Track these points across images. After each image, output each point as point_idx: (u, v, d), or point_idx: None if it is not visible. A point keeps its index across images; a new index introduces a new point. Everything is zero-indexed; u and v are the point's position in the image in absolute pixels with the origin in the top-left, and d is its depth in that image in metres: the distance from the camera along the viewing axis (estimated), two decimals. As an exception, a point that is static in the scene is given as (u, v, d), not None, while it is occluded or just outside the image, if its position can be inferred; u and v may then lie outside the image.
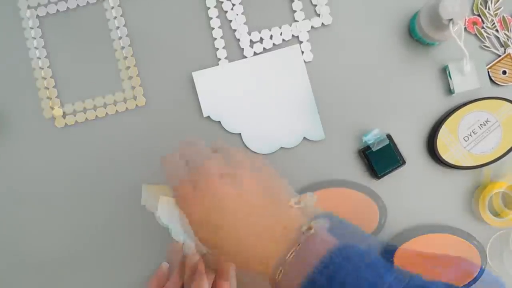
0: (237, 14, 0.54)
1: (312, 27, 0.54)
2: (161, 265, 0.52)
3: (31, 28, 0.54)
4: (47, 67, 0.54)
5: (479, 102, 0.52)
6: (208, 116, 0.53)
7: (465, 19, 0.53)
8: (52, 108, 0.54)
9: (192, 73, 0.53)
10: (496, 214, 0.52)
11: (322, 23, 0.54)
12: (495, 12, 0.53)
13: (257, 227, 0.37)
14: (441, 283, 0.34)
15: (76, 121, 0.54)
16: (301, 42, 0.54)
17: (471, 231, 0.53)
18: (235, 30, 0.54)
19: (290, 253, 0.35)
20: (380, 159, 0.52)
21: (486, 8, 0.53)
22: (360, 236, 0.36)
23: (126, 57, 0.54)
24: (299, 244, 0.35)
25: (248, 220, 0.38)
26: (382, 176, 0.52)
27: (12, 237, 0.54)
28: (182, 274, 0.51)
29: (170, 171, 0.42)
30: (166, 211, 0.52)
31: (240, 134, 0.53)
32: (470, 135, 0.52)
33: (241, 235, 0.38)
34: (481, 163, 0.52)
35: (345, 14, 0.54)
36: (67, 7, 0.55)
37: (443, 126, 0.52)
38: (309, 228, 0.36)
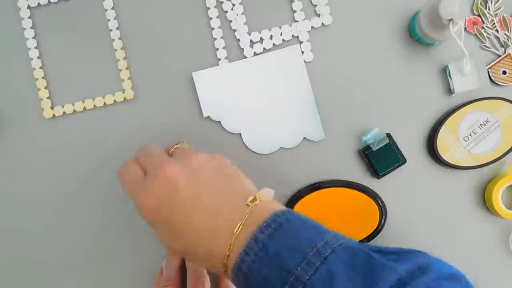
0: (237, 14, 0.54)
1: (312, 27, 0.54)
2: (162, 266, 0.52)
3: (31, 28, 0.54)
4: (41, 65, 0.54)
5: (479, 102, 0.52)
6: (208, 116, 0.54)
7: (465, 19, 0.53)
8: (52, 108, 0.54)
9: (192, 73, 0.53)
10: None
11: (322, 23, 0.54)
12: (495, 12, 0.53)
13: (210, 222, 0.37)
14: (373, 246, 0.36)
15: (76, 121, 0.54)
16: (301, 42, 0.54)
17: (471, 231, 0.53)
18: (235, 30, 0.54)
19: (237, 227, 0.36)
20: (381, 158, 0.52)
21: (486, 8, 0.53)
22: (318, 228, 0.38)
23: (126, 57, 0.54)
24: (245, 217, 0.36)
25: (199, 211, 0.37)
26: (383, 176, 0.52)
27: (13, 237, 0.54)
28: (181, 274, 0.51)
29: (124, 176, 0.42)
30: None
31: (240, 134, 0.53)
32: (470, 135, 0.52)
33: (193, 227, 0.37)
34: (481, 163, 0.52)
35: (345, 14, 0.54)
36: (67, 7, 0.55)
37: (443, 126, 0.52)
38: (254, 199, 0.37)
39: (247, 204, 0.37)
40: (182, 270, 0.51)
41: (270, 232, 0.35)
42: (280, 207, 0.38)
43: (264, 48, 0.54)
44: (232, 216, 0.37)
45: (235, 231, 0.36)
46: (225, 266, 0.36)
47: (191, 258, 0.39)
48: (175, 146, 0.44)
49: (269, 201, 0.38)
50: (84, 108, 0.54)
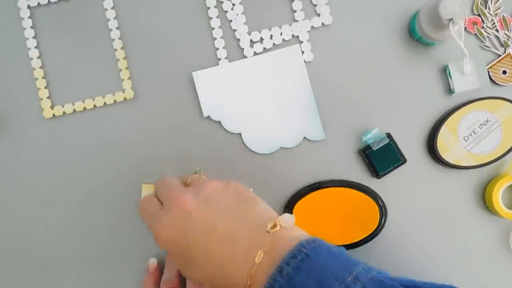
0: (237, 14, 0.54)
1: (312, 27, 0.54)
2: (150, 262, 0.52)
3: (31, 28, 0.54)
4: (41, 65, 0.54)
5: (479, 102, 0.52)
6: (208, 116, 0.54)
7: (465, 19, 0.53)
8: (52, 108, 0.54)
9: (192, 73, 0.53)
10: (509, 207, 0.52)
11: (322, 23, 0.54)
12: (495, 12, 0.53)
13: (227, 250, 0.36)
14: (407, 279, 0.34)
15: (76, 121, 0.54)
16: (301, 42, 0.54)
17: (471, 231, 0.53)
18: (235, 30, 0.54)
19: (258, 255, 0.35)
20: (381, 158, 0.52)
21: (486, 8, 0.53)
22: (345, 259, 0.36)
23: (126, 57, 0.54)
24: (266, 244, 0.35)
25: (215, 239, 0.37)
26: (383, 175, 0.52)
27: (12, 237, 0.54)
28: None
29: (142, 210, 0.42)
30: None
31: (240, 134, 0.53)
32: (470, 135, 0.52)
33: (211, 256, 0.37)
34: (481, 163, 0.52)
35: (345, 14, 0.54)
36: (67, 7, 0.55)
37: (443, 126, 0.52)
38: (274, 226, 0.36)
39: (267, 231, 0.36)
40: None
41: (297, 264, 0.33)
42: (303, 233, 0.37)
43: (264, 48, 0.54)
44: (252, 243, 0.36)
45: (256, 259, 0.35)
46: None
47: (212, 287, 0.38)
48: (193, 176, 0.43)
49: (290, 227, 0.37)
50: (84, 108, 0.54)
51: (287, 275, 0.33)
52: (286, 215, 0.37)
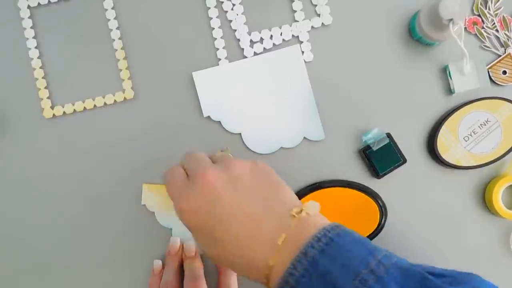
0: (237, 14, 0.54)
1: (312, 27, 0.54)
2: (154, 264, 0.52)
3: (31, 28, 0.54)
4: (41, 65, 0.54)
5: (479, 102, 0.52)
6: (208, 116, 0.54)
7: (465, 19, 0.53)
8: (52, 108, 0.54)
9: (192, 73, 0.53)
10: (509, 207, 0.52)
11: (322, 23, 0.54)
12: (495, 12, 0.53)
13: (251, 230, 0.36)
14: (426, 265, 0.34)
15: (76, 121, 0.54)
16: (301, 42, 0.54)
17: (471, 231, 0.53)
18: (235, 30, 0.54)
19: (282, 238, 0.35)
20: (381, 158, 0.52)
21: (486, 8, 0.53)
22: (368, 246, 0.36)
23: (126, 57, 0.54)
24: (290, 227, 0.35)
25: (240, 218, 0.37)
26: (383, 175, 0.52)
27: (12, 237, 0.54)
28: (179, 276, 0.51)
29: (169, 179, 0.42)
30: (151, 199, 0.53)
31: (240, 134, 0.53)
32: (470, 135, 0.52)
33: (233, 235, 0.37)
34: (481, 163, 0.52)
35: (345, 14, 0.54)
36: (67, 7, 0.55)
37: (443, 126, 0.52)
38: (300, 211, 0.36)
39: (293, 215, 0.36)
40: (180, 273, 0.51)
41: (321, 247, 0.33)
42: (326, 220, 0.37)
43: (264, 48, 0.54)
44: (276, 226, 0.36)
45: (278, 242, 0.35)
46: (267, 278, 0.35)
47: (231, 266, 0.38)
48: (220, 153, 0.43)
49: (315, 214, 0.37)
50: (84, 108, 0.54)
51: (311, 258, 0.33)
52: (312, 202, 0.37)
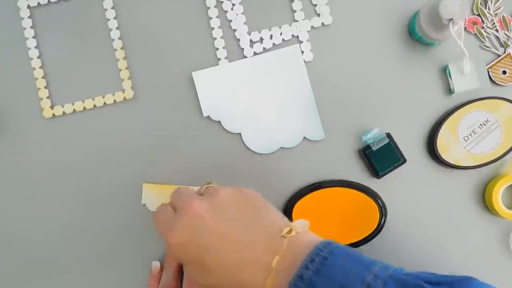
0: (237, 14, 0.54)
1: (312, 27, 0.54)
2: (152, 265, 0.52)
3: (31, 28, 0.54)
4: (41, 65, 0.54)
5: (479, 102, 0.52)
6: (208, 116, 0.53)
7: (465, 19, 0.53)
8: (52, 108, 0.54)
9: (192, 73, 0.53)
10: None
11: (322, 23, 0.54)
12: (495, 12, 0.53)
13: (241, 254, 0.37)
14: (425, 273, 0.34)
15: (75, 121, 0.54)
16: (301, 42, 0.54)
17: (471, 231, 0.53)
18: (235, 30, 0.54)
19: (275, 259, 0.35)
20: (381, 158, 0.52)
21: (486, 8, 0.53)
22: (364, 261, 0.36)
23: (126, 57, 0.54)
24: (283, 250, 0.35)
25: (229, 245, 0.37)
26: (383, 175, 0.52)
27: (12, 237, 0.54)
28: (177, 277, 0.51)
29: (156, 217, 0.42)
30: (152, 199, 0.53)
31: (240, 134, 0.53)
32: (470, 135, 0.52)
33: (224, 262, 0.37)
34: (481, 163, 0.52)
35: (345, 14, 0.54)
36: (67, 7, 0.55)
37: (443, 126, 0.52)
38: (290, 231, 0.36)
39: (283, 236, 0.36)
40: (180, 273, 0.51)
41: (316, 267, 0.34)
42: (317, 237, 0.37)
43: (264, 48, 0.54)
44: (267, 249, 0.36)
45: (273, 264, 0.35)
46: None
47: None
48: (205, 186, 0.43)
49: (304, 232, 0.38)
50: (84, 108, 0.54)
51: (308, 280, 0.33)
52: (301, 220, 0.38)
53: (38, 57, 0.54)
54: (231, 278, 0.37)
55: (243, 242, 0.37)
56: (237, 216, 0.38)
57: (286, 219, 0.40)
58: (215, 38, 0.54)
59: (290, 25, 0.54)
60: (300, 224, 0.37)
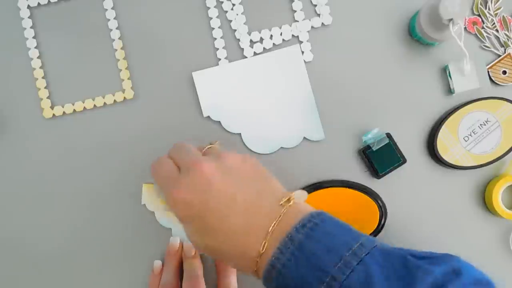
0: (237, 14, 0.54)
1: (312, 27, 0.54)
2: (154, 264, 0.52)
3: (31, 28, 0.54)
4: (41, 65, 0.54)
5: (479, 102, 0.52)
6: (208, 116, 0.53)
7: (465, 19, 0.53)
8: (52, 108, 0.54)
9: (192, 73, 0.53)
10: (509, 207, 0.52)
11: (322, 23, 0.54)
12: (495, 12, 0.53)
13: (246, 219, 0.37)
14: (406, 249, 0.36)
15: (76, 121, 0.54)
16: (301, 42, 0.54)
17: (471, 231, 0.53)
18: (235, 30, 0.54)
19: (271, 226, 0.36)
20: (381, 158, 0.52)
21: (486, 8, 0.53)
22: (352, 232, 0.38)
23: (126, 57, 0.54)
24: (280, 216, 0.36)
25: (234, 209, 0.37)
26: (383, 175, 0.52)
27: (12, 237, 0.54)
28: (177, 275, 0.51)
29: (158, 170, 0.42)
30: (151, 199, 0.53)
31: (240, 134, 0.53)
32: (470, 135, 0.52)
33: (227, 225, 0.37)
34: (481, 163, 0.52)
35: (345, 14, 0.54)
36: (67, 7, 0.55)
37: (443, 126, 0.52)
38: (288, 200, 0.38)
39: (281, 204, 0.37)
40: (180, 273, 0.51)
41: (306, 231, 0.35)
42: (312, 208, 0.38)
43: (264, 48, 0.54)
44: (267, 215, 0.37)
45: (269, 230, 0.36)
46: (257, 265, 0.36)
47: (221, 256, 0.39)
48: (208, 146, 0.44)
49: (301, 202, 0.39)
50: (84, 108, 0.54)
51: (298, 242, 0.35)
52: (300, 190, 0.39)
53: (38, 57, 0.54)
54: (233, 241, 0.37)
55: (248, 208, 0.37)
56: (244, 181, 0.39)
57: (285, 189, 0.41)
58: (215, 38, 0.54)
59: (290, 25, 0.54)
60: (298, 194, 0.39)
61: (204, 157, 0.40)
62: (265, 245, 0.36)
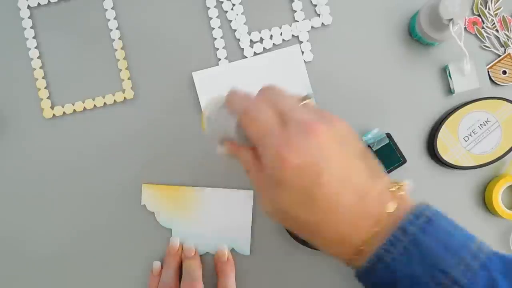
0: (237, 14, 0.54)
1: (312, 27, 0.54)
2: (154, 265, 0.52)
3: (31, 28, 0.54)
4: (41, 65, 0.54)
5: (479, 102, 0.52)
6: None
7: (465, 19, 0.53)
8: (52, 108, 0.54)
9: (192, 73, 0.53)
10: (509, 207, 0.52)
11: (322, 23, 0.54)
12: (495, 12, 0.53)
13: (357, 202, 0.33)
14: None
15: (76, 121, 0.54)
16: (301, 42, 0.54)
17: (472, 230, 0.53)
18: (235, 30, 0.54)
19: (386, 212, 0.32)
20: (381, 158, 0.52)
21: (486, 8, 0.53)
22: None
23: (126, 57, 0.54)
24: (389, 204, 0.33)
25: (348, 189, 0.33)
26: (382, 176, 0.52)
27: (12, 237, 0.54)
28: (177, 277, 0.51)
29: (254, 119, 0.35)
30: (151, 199, 0.52)
31: (240, 134, 0.53)
32: (470, 135, 0.52)
33: (336, 203, 0.32)
34: (481, 163, 0.52)
35: (345, 14, 0.54)
36: (67, 7, 0.55)
37: (443, 126, 0.52)
38: (399, 189, 0.34)
39: (392, 191, 0.34)
40: (180, 273, 0.51)
41: (421, 225, 0.31)
42: (414, 200, 0.35)
43: (264, 48, 0.54)
44: (378, 201, 0.33)
45: (380, 218, 0.32)
46: (357, 254, 0.33)
47: (314, 235, 0.34)
48: (304, 101, 0.38)
49: (409, 191, 0.35)
50: (84, 108, 0.54)
51: (412, 236, 0.31)
52: (409, 180, 0.35)
53: (38, 58, 0.54)
54: (335, 223, 0.33)
55: (360, 189, 0.33)
56: (357, 157, 0.34)
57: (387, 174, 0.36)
58: (215, 38, 0.54)
59: (290, 25, 0.54)
60: (410, 184, 0.35)
61: (313, 116, 0.34)
62: (376, 234, 0.32)
